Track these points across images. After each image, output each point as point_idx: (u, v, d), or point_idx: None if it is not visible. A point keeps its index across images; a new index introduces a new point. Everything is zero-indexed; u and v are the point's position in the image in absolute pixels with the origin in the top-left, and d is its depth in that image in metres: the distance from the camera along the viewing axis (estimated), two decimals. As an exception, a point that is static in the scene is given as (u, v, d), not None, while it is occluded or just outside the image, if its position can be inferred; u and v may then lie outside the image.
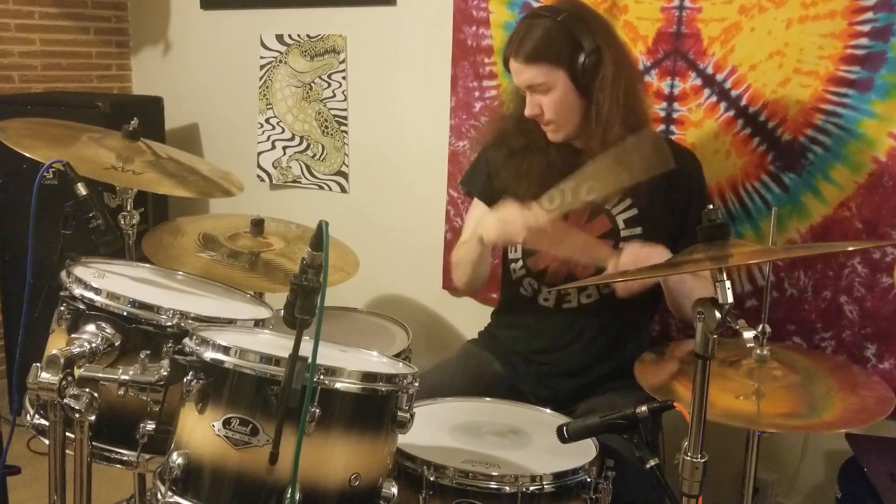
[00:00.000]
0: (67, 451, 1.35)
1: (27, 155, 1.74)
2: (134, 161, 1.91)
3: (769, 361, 1.65)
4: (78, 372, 1.30)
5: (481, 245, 1.85)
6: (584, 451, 1.56)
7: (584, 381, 1.93)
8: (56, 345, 1.43)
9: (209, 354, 1.27)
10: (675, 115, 2.21)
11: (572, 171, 1.91)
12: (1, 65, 3.08)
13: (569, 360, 1.94)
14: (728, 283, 1.20)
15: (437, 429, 1.65)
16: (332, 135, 2.92)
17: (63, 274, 1.52)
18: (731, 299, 1.19)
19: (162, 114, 3.15)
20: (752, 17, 2.07)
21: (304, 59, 2.93)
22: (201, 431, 1.25)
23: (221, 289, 1.80)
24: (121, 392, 1.32)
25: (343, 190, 2.94)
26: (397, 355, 1.92)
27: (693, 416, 1.25)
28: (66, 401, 1.28)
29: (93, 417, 1.31)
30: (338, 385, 1.25)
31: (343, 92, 2.87)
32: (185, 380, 1.27)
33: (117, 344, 1.41)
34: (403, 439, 1.40)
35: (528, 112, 1.82)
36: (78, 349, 1.34)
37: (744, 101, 2.11)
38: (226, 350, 1.26)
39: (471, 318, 2.61)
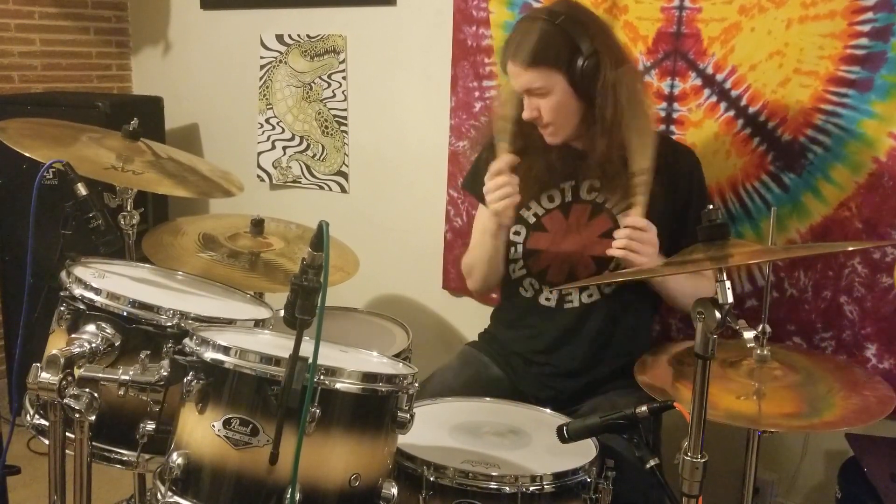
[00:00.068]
0: (67, 451, 1.35)
1: (27, 155, 1.74)
2: (134, 161, 1.91)
3: (769, 361, 1.65)
4: (78, 372, 1.31)
5: (496, 223, 1.87)
6: (584, 451, 1.56)
7: (585, 381, 1.93)
8: (56, 345, 1.43)
9: (209, 354, 1.27)
10: (675, 115, 2.21)
11: (572, 172, 1.91)
12: (1, 65, 3.08)
13: (570, 360, 1.94)
14: (728, 283, 1.20)
15: (437, 429, 1.65)
16: (332, 135, 2.92)
17: (63, 274, 1.52)
18: (731, 299, 1.19)
19: (162, 114, 3.15)
20: (752, 17, 2.07)
21: (304, 59, 2.93)
22: (201, 431, 1.25)
23: (221, 289, 1.80)
24: (121, 392, 1.32)
25: (343, 190, 2.94)
26: (397, 355, 1.92)
27: (693, 416, 1.25)
28: (66, 401, 1.28)
29: (93, 417, 1.31)
30: (338, 385, 1.25)
31: (343, 92, 2.87)
32: (185, 380, 1.27)
33: (117, 344, 1.41)
34: (403, 439, 1.40)
35: (525, 115, 1.81)
36: (78, 349, 1.34)
37: (744, 101, 2.11)
38: (226, 350, 1.26)
39: (471, 319, 2.61)
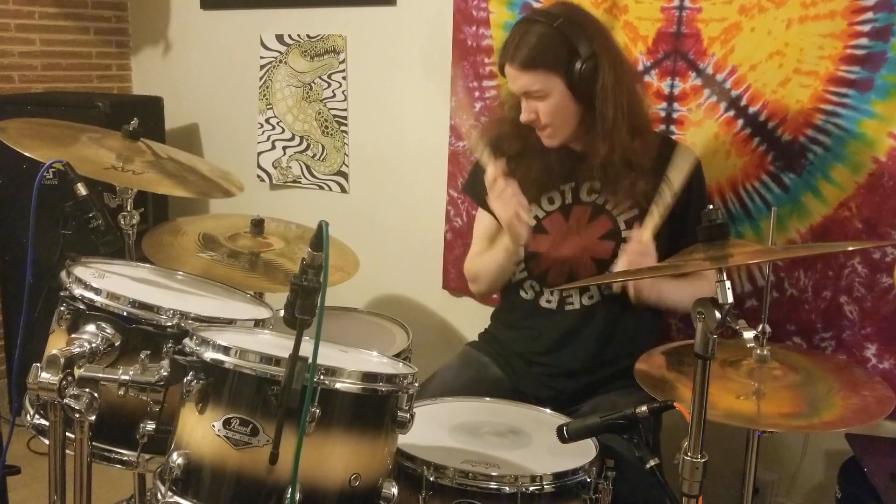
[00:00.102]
0: (67, 451, 1.35)
1: (27, 155, 1.73)
2: (134, 161, 1.91)
3: (769, 361, 1.65)
4: (78, 372, 1.31)
5: (514, 245, 1.85)
6: (584, 451, 1.56)
7: (585, 381, 1.93)
8: (56, 345, 1.43)
9: (209, 354, 1.26)
10: (675, 115, 2.21)
11: (572, 174, 1.91)
12: (1, 65, 3.08)
13: (571, 360, 1.94)
14: (728, 283, 1.20)
15: (437, 429, 1.65)
16: (332, 135, 2.92)
17: (63, 274, 1.52)
18: (731, 299, 1.19)
19: (162, 114, 3.15)
20: (752, 17, 2.07)
21: (304, 59, 2.93)
22: (201, 431, 1.25)
23: (221, 289, 1.80)
24: (121, 392, 1.32)
25: (343, 190, 2.94)
26: (397, 355, 1.92)
27: (693, 416, 1.25)
28: (66, 401, 1.28)
29: (93, 417, 1.31)
30: (338, 385, 1.25)
31: (343, 92, 2.87)
32: (185, 380, 1.27)
33: (117, 344, 1.41)
34: (403, 439, 1.40)
35: (523, 118, 1.81)
36: (78, 349, 1.34)
37: (744, 101, 2.11)
38: (226, 350, 1.26)
39: (471, 319, 2.61)
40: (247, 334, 1.53)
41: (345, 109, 2.88)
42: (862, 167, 1.98)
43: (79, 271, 1.53)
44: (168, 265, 1.89)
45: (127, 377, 1.32)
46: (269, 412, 1.21)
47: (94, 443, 1.37)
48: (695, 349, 1.23)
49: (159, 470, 1.30)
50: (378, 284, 2.88)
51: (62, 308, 1.48)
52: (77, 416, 1.30)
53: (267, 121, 3.05)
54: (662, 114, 2.22)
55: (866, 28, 1.93)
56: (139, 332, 1.43)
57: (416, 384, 1.36)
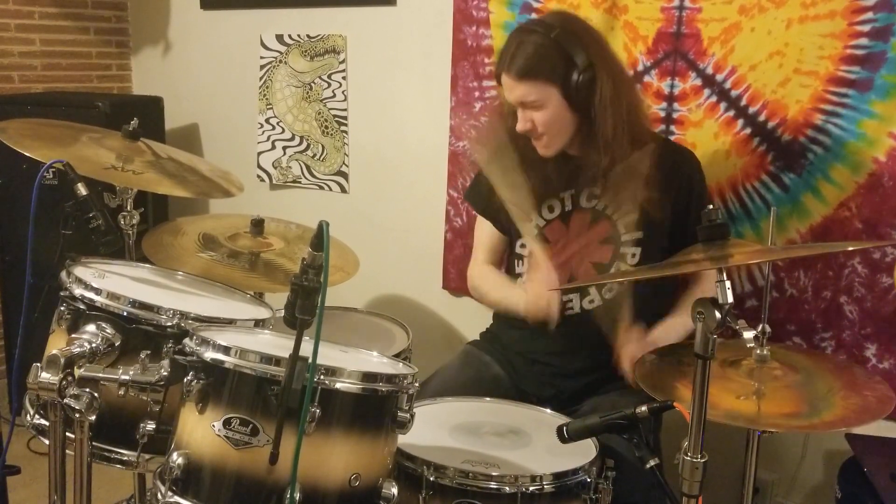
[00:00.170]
0: (67, 451, 1.35)
1: (27, 155, 1.74)
2: (134, 161, 1.91)
3: (769, 361, 1.65)
4: (78, 372, 1.31)
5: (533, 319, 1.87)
6: (584, 451, 1.56)
7: (586, 381, 1.93)
8: (56, 345, 1.43)
9: (209, 354, 1.27)
10: (675, 115, 2.21)
11: (571, 181, 1.91)
12: (1, 65, 3.08)
13: (572, 361, 1.94)
14: (728, 283, 1.20)
15: (437, 429, 1.65)
16: (332, 135, 2.92)
17: (63, 274, 1.52)
18: (731, 299, 1.19)
19: (162, 114, 3.15)
20: (752, 17, 2.07)
21: (304, 59, 2.93)
22: (201, 431, 1.25)
23: (221, 289, 1.80)
24: (121, 392, 1.32)
25: (343, 190, 2.94)
26: (397, 355, 1.92)
27: (693, 416, 1.25)
28: (66, 401, 1.28)
29: (93, 417, 1.31)
30: (338, 385, 1.25)
31: (343, 92, 2.87)
32: (185, 380, 1.27)
33: (117, 344, 1.41)
34: (403, 439, 1.40)
35: (519, 127, 1.81)
36: (78, 349, 1.34)
37: (744, 101, 2.11)
38: (226, 350, 1.26)
39: (471, 318, 2.61)
40: (247, 334, 1.53)
41: (345, 109, 2.88)
42: (862, 167, 1.98)
43: (79, 271, 1.53)
44: (168, 265, 1.89)
45: (127, 377, 1.32)
46: (270, 412, 1.21)
47: (94, 443, 1.37)
48: (695, 349, 1.23)
49: (159, 470, 1.30)
50: (378, 284, 2.88)
51: (62, 308, 1.48)
52: (77, 416, 1.30)
53: (267, 121, 3.05)
54: (662, 114, 2.22)
55: (866, 28, 1.93)
56: (139, 332, 1.43)
57: (416, 384, 1.36)
